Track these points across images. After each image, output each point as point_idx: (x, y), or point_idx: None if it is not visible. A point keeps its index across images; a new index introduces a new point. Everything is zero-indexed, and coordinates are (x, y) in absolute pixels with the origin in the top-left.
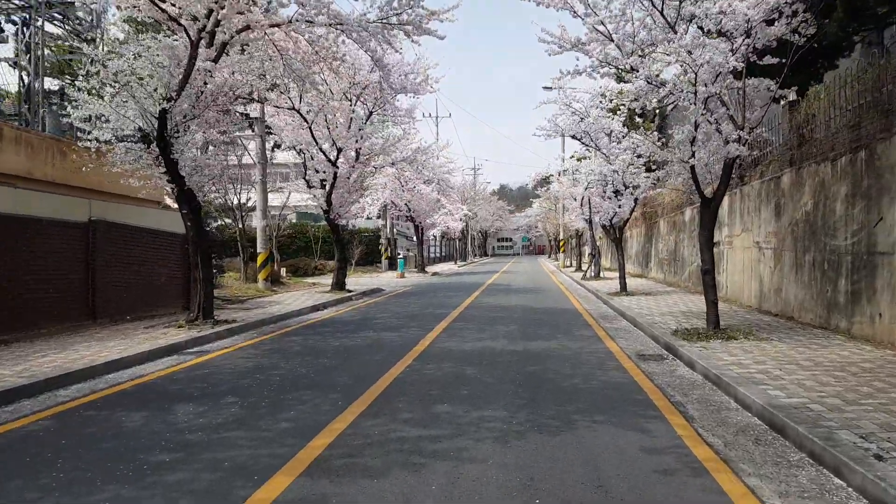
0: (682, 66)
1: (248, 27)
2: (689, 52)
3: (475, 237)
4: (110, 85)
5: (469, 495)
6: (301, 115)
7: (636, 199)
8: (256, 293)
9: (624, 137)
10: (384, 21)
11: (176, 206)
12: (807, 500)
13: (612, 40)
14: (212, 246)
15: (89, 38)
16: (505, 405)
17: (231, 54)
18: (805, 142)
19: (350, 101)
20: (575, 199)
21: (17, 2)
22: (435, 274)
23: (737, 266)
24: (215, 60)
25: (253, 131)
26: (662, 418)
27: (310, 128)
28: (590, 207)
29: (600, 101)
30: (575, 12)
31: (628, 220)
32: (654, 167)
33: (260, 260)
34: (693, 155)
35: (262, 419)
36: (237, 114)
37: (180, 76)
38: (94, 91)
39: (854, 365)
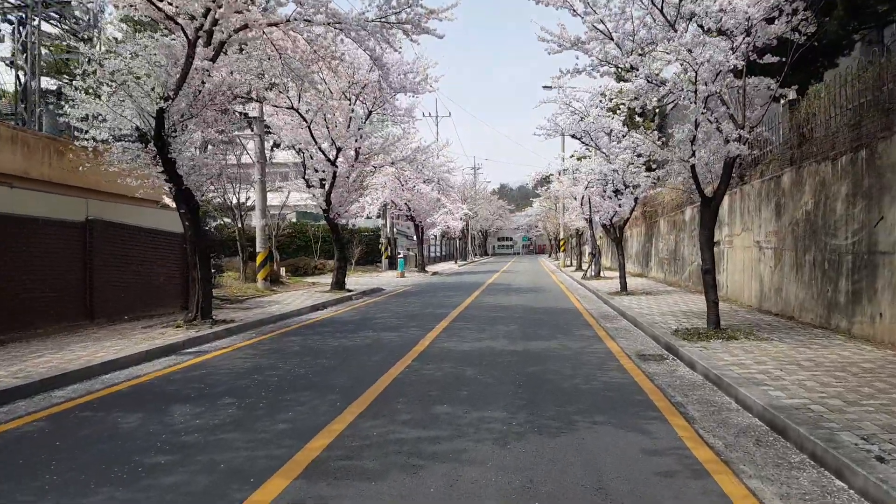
0: (682, 64)
1: (246, 26)
2: (690, 51)
3: (475, 236)
4: (107, 84)
5: (468, 498)
6: (300, 114)
7: (636, 199)
8: (256, 293)
9: (624, 137)
10: (383, 20)
11: (174, 205)
12: (808, 502)
13: (612, 39)
14: (210, 245)
15: (86, 37)
16: (505, 406)
17: (229, 53)
18: (805, 141)
19: (349, 100)
20: (575, 199)
21: (13, 1)
22: (435, 273)
23: (737, 265)
24: (213, 59)
25: (252, 130)
26: (663, 419)
27: (309, 127)
28: (590, 207)
29: (600, 101)
30: (574, 11)
31: (628, 219)
32: (654, 166)
33: (259, 259)
34: (693, 154)
35: (259, 420)
36: (236, 113)
37: (177, 75)
38: (91, 90)
39: (855, 365)
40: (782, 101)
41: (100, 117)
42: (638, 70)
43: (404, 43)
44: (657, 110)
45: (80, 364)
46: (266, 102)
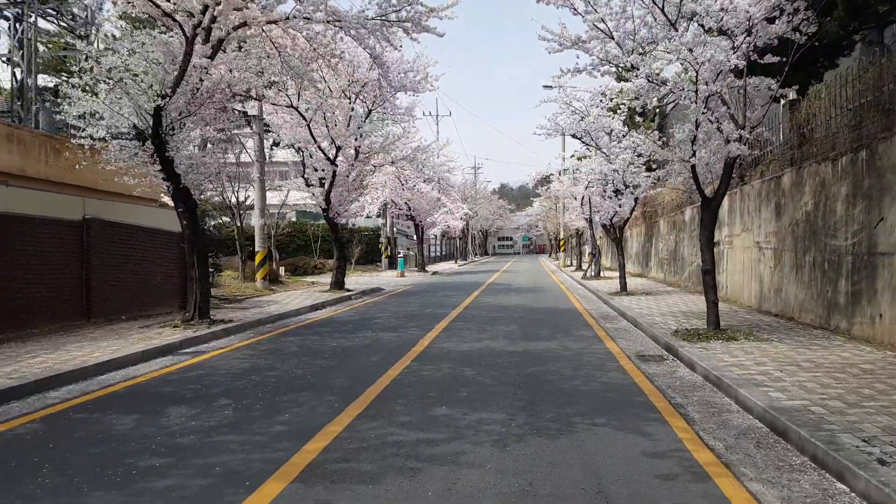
0: (682, 64)
1: (244, 23)
2: (690, 50)
3: (475, 236)
4: (104, 81)
5: (466, 501)
6: (299, 112)
7: (636, 199)
8: (254, 292)
9: (624, 136)
10: (383, 18)
11: (172, 204)
12: None
13: (613, 38)
14: (208, 245)
15: (83, 34)
16: (504, 407)
17: (228, 51)
18: (805, 141)
19: (349, 98)
20: (575, 199)
21: None
22: (435, 273)
23: (737, 266)
24: (211, 57)
25: (251, 129)
26: (663, 421)
27: (308, 126)
28: (590, 207)
29: (601, 100)
30: (575, 10)
31: (628, 219)
32: (654, 166)
33: (258, 259)
34: (694, 154)
35: (255, 422)
36: (234, 111)
37: (175, 73)
38: (88, 88)
39: (855, 366)
40: (782, 102)
41: (97, 115)
42: (639, 69)
43: (405, 41)
44: (657, 110)
45: (76, 364)
46: (265, 101)
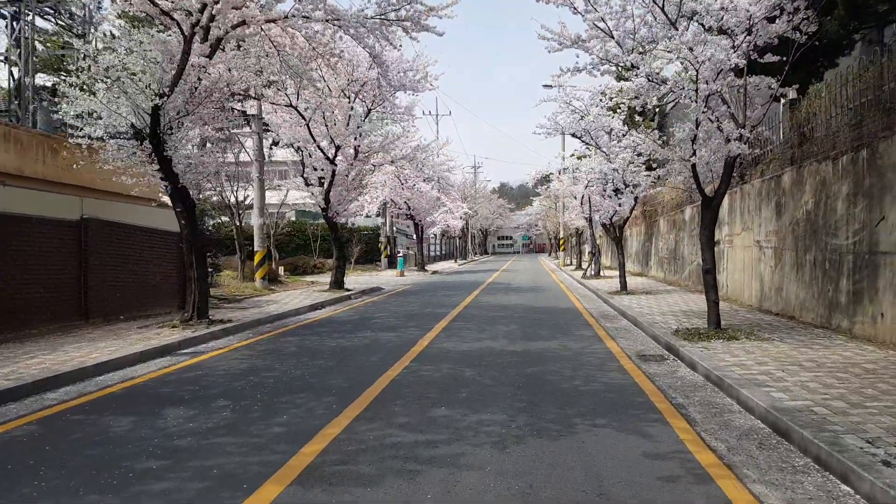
0: (682, 63)
1: (243, 22)
2: (691, 49)
3: (475, 235)
4: (102, 80)
5: None
6: (298, 112)
7: (636, 198)
8: (254, 292)
9: (624, 136)
10: (382, 17)
11: (171, 203)
12: None
13: (613, 37)
14: (207, 244)
15: (81, 33)
16: (504, 408)
17: (226, 50)
18: (806, 140)
19: (348, 98)
20: (575, 198)
21: None
22: (435, 272)
23: (737, 265)
24: (210, 56)
25: (250, 128)
26: (664, 422)
27: (307, 125)
28: (590, 206)
29: (600, 100)
30: (575, 9)
31: (628, 218)
32: (654, 165)
33: (257, 258)
34: (694, 153)
35: (253, 424)
36: (233, 110)
37: (173, 72)
38: (85, 87)
39: (857, 366)
40: (783, 101)
41: (94, 114)
42: (638, 68)
43: (404, 41)
44: (657, 109)
45: (74, 365)
46: (264, 100)
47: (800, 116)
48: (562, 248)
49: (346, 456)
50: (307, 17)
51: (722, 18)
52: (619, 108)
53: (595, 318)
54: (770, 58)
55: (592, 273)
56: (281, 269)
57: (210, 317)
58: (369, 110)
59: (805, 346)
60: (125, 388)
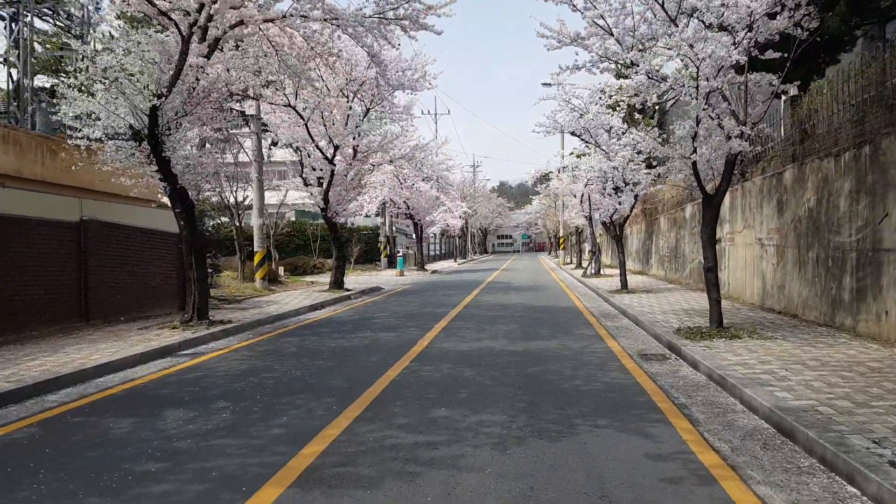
0: (682, 60)
1: (241, 22)
2: (691, 46)
3: (475, 234)
4: (100, 81)
5: None
6: (297, 111)
7: (636, 196)
8: (254, 292)
9: (624, 134)
10: (380, 15)
11: (170, 204)
12: None
13: (612, 34)
14: (207, 245)
15: (79, 33)
16: (504, 409)
17: (225, 50)
18: (807, 137)
19: (347, 97)
20: (575, 196)
21: None
22: (435, 272)
23: (739, 263)
24: (208, 56)
25: (249, 128)
26: (667, 422)
27: (306, 125)
28: (590, 204)
29: (600, 97)
30: (574, 6)
31: (628, 216)
32: (654, 163)
33: (257, 259)
34: (695, 151)
35: (253, 425)
36: (232, 111)
37: (171, 72)
38: (84, 88)
39: (862, 364)
40: (784, 98)
41: (93, 115)
42: (638, 66)
43: (403, 40)
44: (657, 107)
45: (74, 367)
46: (263, 100)
47: (801, 113)
48: (562, 247)
49: (346, 457)
50: (305, 17)
51: (722, 15)
52: (619, 105)
53: (596, 317)
54: (771, 54)
55: (593, 272)
56: (281, 270)
57: (210, 318)
58: (368, 110)
59: (808, 344)
60: (125, 389)
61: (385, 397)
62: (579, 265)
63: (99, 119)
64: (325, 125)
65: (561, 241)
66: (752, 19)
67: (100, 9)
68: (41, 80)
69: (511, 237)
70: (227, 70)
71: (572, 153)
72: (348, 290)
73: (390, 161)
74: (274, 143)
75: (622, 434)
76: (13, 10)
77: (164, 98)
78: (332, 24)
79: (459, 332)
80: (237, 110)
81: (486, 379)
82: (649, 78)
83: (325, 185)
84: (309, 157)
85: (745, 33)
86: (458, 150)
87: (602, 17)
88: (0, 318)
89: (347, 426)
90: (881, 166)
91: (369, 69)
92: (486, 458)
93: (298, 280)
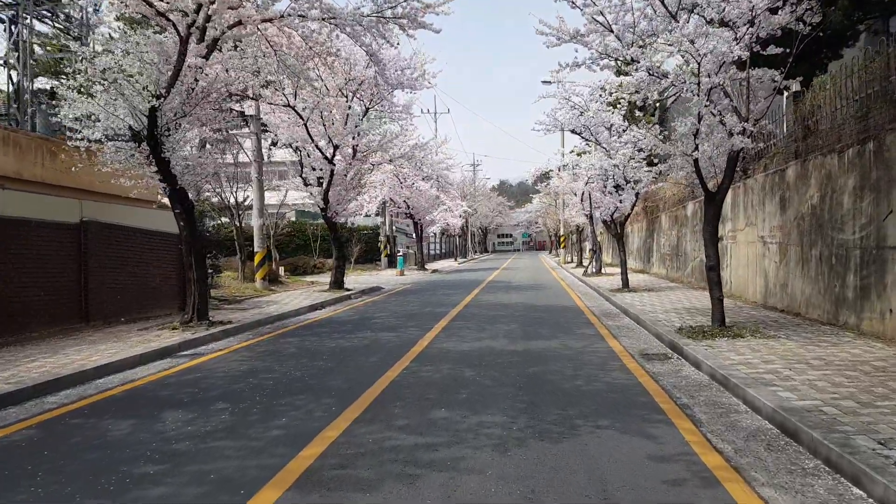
0: (683, 56)
1: (239, 22)
2: (692, 42)
3: (475, 233)
4: (99, 82)
5: None
6: (296, 111)
7: (637, 194)
8: (254, 293)
9: (624, 131)
10: (378, 14)
11: (170, 205)
12: None
13: (612, 31)
14: (206, 246)
15: (78, 35)
16: (505, 410)
17: (223, 50)
18: (810, 133)
19: (346, 97)
20: (575, 195)
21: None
22: (435, 271)
23: (741, 261)
24: (206, 57)
25: (249, 129)
26: (669, 423)
27: (305, 125)
28: (590, 202)
29: (600, 95)
30: (574, 3)
31: (629, 215)
32: (655, 161)
33: (257, 259)
34: (696, 148)
35: (252, 427)
36: (231, 111)
37: (170, 73)
38: (83, 89)
39: (866, 364)
40: (786, 94)
41: (93, 117)
42: (639, 62)
43: (402, 39)
44: (658, 104)
45: (74, 368)
46: (262, 100)
47: (804, 109)
48: (562, 246)
49: (345, 460)
50: (303, 16)
51: (723, 10)
52: (619, 103)
53: (597, 316)
54: (773, 50)
55: (593, 270)
56: (281, 270)
57: (210, 318)
58: (367, 109)
59: (812, 343)
60: (125, 390)
61: (385, 398)
62: (580, 264)
63: (98, 120)
64: (324, 125)
65: (562, 239)
66: (753, 14)
67: (98, 10)
68: (41, 83)
69: (511, 236)
70: (226, 70)
71: (573, 151)
72: (348, 289)
73: (390, 160)
74: (274, 143)
75: (624, 435)
76: (12, 12)
77: (162, 99)
78: (330, 24)
79: (460, 332)
80: (236, 111)
81: (486, 379)
82: (650, 74)
83: (324, 185)
84: (308, 156)
85: (747, 28)
86: (458, 149)
87: (602, 13)
88: (0, 320)
89: (347, 427)
90: (885, 162)
91: (368, 68)
92: (487, 459)
93: (299, 280)
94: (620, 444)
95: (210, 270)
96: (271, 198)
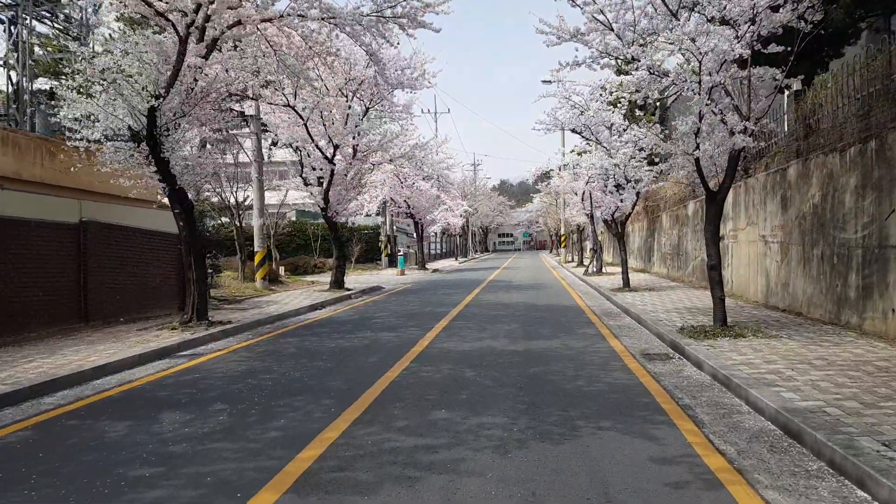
0: (684, 54)
1: (239, 22)
2: (693, 40)
3: (476, 233)
4: (98, 83)
5: None
6: (296, 111)
7: (638, 193)
8: (254, 292)
9: (625, 130)
10: (378, 14)
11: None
12: None
13: (612, 29)
14: (207, 245)
15: (77, 35)
16: (505, 410)
17: (223, 50)
18: (812, 132)
19: (346, 96)
20: (576, 194)
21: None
22: (435, 271)
23: (742, 260)
24: (206, 57)
25: (249, 129)
26: (671, 424)
27: (305, 125)
28: (591, 202)
29: (600, 94)
30: (574, 1)
31: (630, 214)
32: (656, 160)
33: (257, 259)
34: (697, 147)
35: (250, 428)
36: (231, 111)
37: (169, 73)
38: (82, 90)
39: (869, 364)
40: (787, 92)
41: (92, 117)
42: (639, 61)
43: (402, 39)
44: (659, 103)
45: (72, 369)
46: (262, 100)
47: (805, 108)
48: (563, 245)
49: (344, 462)
50: (303, 16)
51: (724, 8)
52: (620, 102)
53: (598, 315)
54: (774, 48)
55: (594, 270)
56: (281, 270)
57: (210, 318)
58: (367, 109)
59: (814, 343)
60: (123, 391)
61: (384, 399)
62: (581, 263)
63: (97, 121)
64: (324, 125)
65: (562, 239)
66: (754, 12)
67: (98, 11)
68: (41, 83)
69: (512, 235)
70: (226, 70)
71: (573, 151)
72: (349, 289)
73: (390, 160)
74: (274, 143)
75: (626, 436)
76: (12, 13)
77: (161, 99)
78: (329, 23)
79: (460, 332)
80: (236, 111)
81: (486, 380)
82: (651, 73)
83: (325, 185)
84: (309, 156)
85: (748, 27)
86: (458, 149)
87: (602, 11)
88: None
89: (346, 429)
90: (888, 161)
91: (368, 68)
92: (487, 461)
93: (299, 280)
94: (622, 445)
95: (210, 270)
96: (271, 198)
